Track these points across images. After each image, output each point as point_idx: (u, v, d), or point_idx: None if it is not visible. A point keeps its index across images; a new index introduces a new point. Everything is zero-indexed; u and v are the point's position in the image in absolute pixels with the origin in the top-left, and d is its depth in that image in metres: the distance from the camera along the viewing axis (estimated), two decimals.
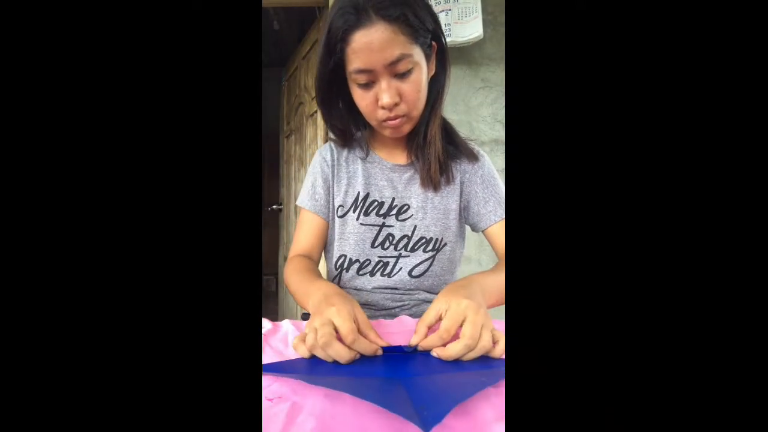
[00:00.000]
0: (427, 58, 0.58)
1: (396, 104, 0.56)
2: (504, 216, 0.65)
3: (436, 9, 1.44)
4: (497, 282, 0.53)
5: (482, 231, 0.68)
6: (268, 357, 0.41)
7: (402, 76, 0.54)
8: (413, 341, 0.41)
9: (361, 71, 0.54)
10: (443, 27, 1.43)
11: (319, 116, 1.79)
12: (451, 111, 1.51)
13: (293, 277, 0.61)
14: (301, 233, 0.70)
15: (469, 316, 0.40)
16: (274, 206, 2.46)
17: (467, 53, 1.52)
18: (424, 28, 0.55)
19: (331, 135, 0.71)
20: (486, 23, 1.46)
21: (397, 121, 0.58)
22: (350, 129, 0.67)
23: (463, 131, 0.72)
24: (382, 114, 0.57)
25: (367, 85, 0.56)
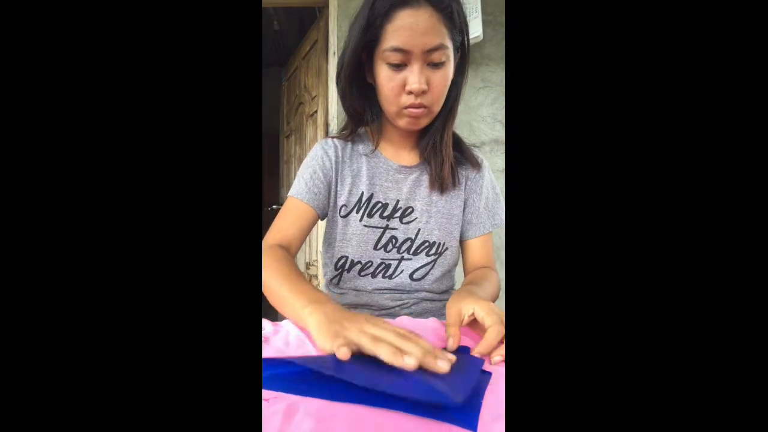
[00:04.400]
0: (454, 61, 0.58)
1: (423, 92, 0.55)
2: (490, 229, 0.68)
3: None
4: (481, 292, 0.56)
5: (466, 240, 0.69)
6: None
7: (435, 66, 0.55)
8: (451, 345, 0.41)
9: (396, 50, 0.53)
10: None
11: (319, 116, 1.79)
12: None
13: (274, 270, 0.53)
14: (286, 221, 0.64)
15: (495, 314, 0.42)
16: (274, 206, 2.46)
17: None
18: (459, 30, 0.57)
19: (340, 122, 0.69)
20: (486, 23, 1.46)
21: (420, 110, 0.57)
22: (366, 113, 0.65)
23: (463, 131, 0.73)
24: (405, 100, 0.56)
25: (398, 67, 0.55)
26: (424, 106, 0.57)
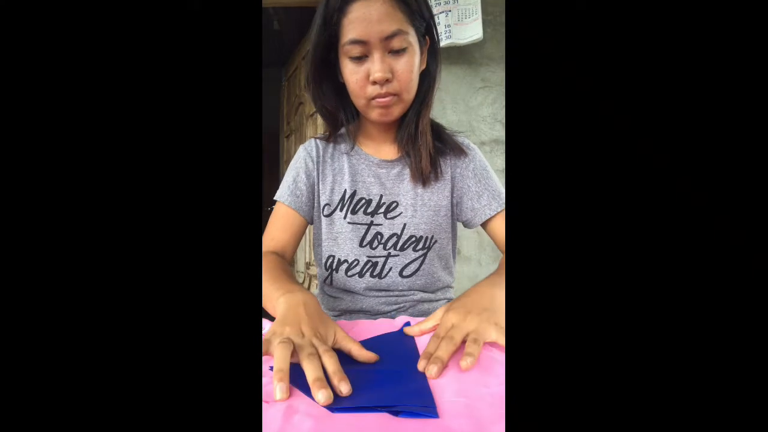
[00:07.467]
0: (421, 47, 0.58)
1: (388, 80, 0.55)
2: (499, 209, 0.64)
3: (436, 10, 1.45)
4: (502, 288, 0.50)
5: (480, 225, 0.67)
6: (267, 357, 0.41)
7: (396, 53, 0.54)
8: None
9: (355, 42, 0.53)
10: (443, 28, 1.44)
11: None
12: (451, 111, 1.51)
13: (265, 275, 0.55)
14: (276, 228, 0.66)
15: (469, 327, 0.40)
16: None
17: (467, 53, 1.52)
18: (420, 13, 0.56)
19: (319, 124, 0.69)
20: (486, 23, 1.47)
21: (388, 99, 0.56)
22: (339, 113, 0.65)
23: (462, 131, 0.71)
24: (372, 90, 0.56)
25: (360, 59, 0.55)
26: (392, 94, 0.56)
